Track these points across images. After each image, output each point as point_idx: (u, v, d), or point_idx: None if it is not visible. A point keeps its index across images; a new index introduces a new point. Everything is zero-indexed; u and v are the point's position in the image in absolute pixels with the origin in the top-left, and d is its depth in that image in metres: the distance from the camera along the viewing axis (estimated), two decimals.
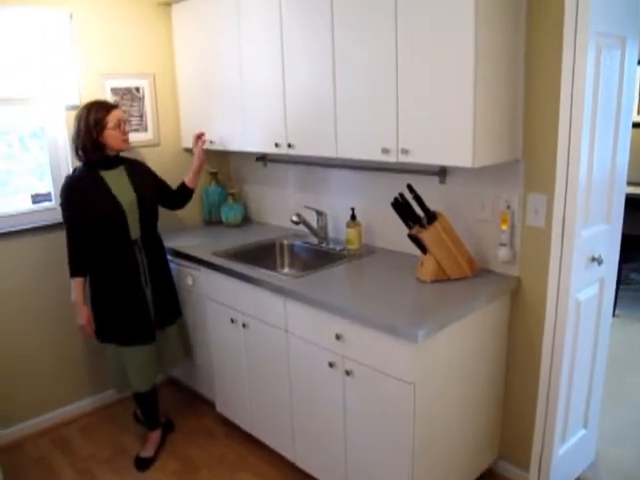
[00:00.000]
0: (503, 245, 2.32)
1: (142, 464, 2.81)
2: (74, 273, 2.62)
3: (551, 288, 2.20)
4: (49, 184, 3.04)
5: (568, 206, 2.10)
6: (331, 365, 2.26)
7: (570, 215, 2.10)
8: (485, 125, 2.04)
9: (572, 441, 2.49)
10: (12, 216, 2.95)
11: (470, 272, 2.36)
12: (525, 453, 2.43)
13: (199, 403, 3.32)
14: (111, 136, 2.57)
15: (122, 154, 2.71)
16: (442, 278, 2.34)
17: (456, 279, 2.34)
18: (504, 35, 2.05)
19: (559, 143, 2.07)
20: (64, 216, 2.61)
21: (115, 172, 2.65)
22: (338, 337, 2.20)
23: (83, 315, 2.66)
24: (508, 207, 2.30)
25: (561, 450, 2.41)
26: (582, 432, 2.57)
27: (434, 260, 2.32)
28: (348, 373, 2.20)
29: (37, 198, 3.01)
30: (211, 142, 3.17)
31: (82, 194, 2.57)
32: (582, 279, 2.24)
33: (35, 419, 3.13)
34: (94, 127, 2.53)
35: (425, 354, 2.00)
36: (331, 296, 2.26)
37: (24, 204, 3.00)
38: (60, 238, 2.66)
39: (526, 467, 2.43)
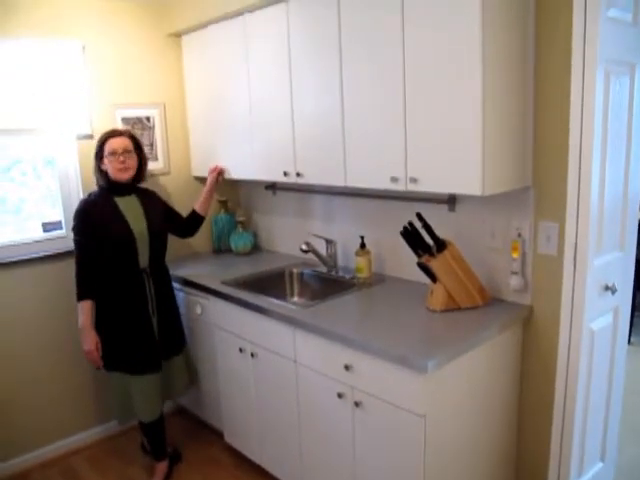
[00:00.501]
0: (514, 273, 2.29)
1: None
2: (82, 296, 2.58)
3: (564, 318, 2.16)
4: (60, 212, 3.06)
5: (580, 234, 2.08)
6: (340, 396, 2.22)
7: (582, 243, 2.08)
8: (494, 153, 2.03)
9: (589, 474, 2.42)
10: (24, 244, 2.96)
11: (481, 301, 2.32)
12: None
13: (207, 432, 3.28)
14: (108, 165, 2.61)
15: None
16: (452, 307, 2.30)
17: (467, 308, 2.30)
18: (512, 63, 2.05)
19: (569, 170, 2.06)
20: (75, 240, 2.60)
21: (128, 199, 2.68)
22: (347, 368, 2.16)
23: (91, 340, 2.60)
24: (519, 235, 2.28)
25: None
26: (599, 465, 2.50)
27: (444, 289, 2.29)
28: (357, 404, 2.16)
29: (47, 227, 3.03)
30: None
31: (95, 219, 2.58)
32: (596, 308, 2.20)
33: (42, 449, 3.10)
34: (95, 155, 2.64)
35: (436, 385, 1.96)
36: (340, 326, 2.23)
37: (35, 232, 3.01)
38: (70, 266, 2.66)
39: None
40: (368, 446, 2.17)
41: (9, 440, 2.97)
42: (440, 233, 2.36)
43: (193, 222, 3.06)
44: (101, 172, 2.64)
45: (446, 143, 2.07)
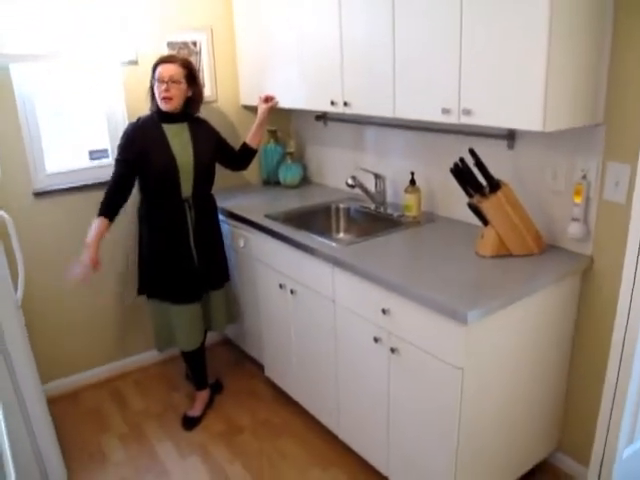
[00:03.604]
0: (575, 220, 2.07)
1: (189, 423, 2.82)
2: (101, 212, 2.51)
3: (627, 273, 1.95)
4: (106, 140, 3.02)
5: None
6: (376, 340, 2.13)
7: None
8: (561, 83, 1.78)
9: None
10: (72, 172, 2.97)
11: (536, 249, 2.13)
12: (587, 448, 2.22)
13: (249, 364, 3.30)
14: (156, 91, 2.53)
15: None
16: (503, 253, 2.13)
17: (519, 255, 2.12)
18: None
19: None
20: (116, 158, 2.57)
21: (177, 127, 2.59)
22: (385, 312, 2.05)
23: (89, 256, 2.47)
24: (584, 177, 2.04)
25: (627, 452, 2.18)
26: None
27: (495, 233, 2.11)
28: (393, 350, 2.06)
29: (94, 154, 3.01)
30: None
31: (140, 144, 2.53)
32: None
33: (93, 370, 3.21)
34: (150, 79, 2.56)
35: (477, 337, 1.82)
36: (380, 267, 2.11)
37: (83, 160, 3.00)
38: None
39: (586, 462, 2.23)
40: (403, 393, 2.09)
41: (61, 360, 3.08)
42: (496, 172, 2.16)
43: (244, 155, 2.95)
44: (153, 97, 2.57)
45: (505, 71, 1.84)
